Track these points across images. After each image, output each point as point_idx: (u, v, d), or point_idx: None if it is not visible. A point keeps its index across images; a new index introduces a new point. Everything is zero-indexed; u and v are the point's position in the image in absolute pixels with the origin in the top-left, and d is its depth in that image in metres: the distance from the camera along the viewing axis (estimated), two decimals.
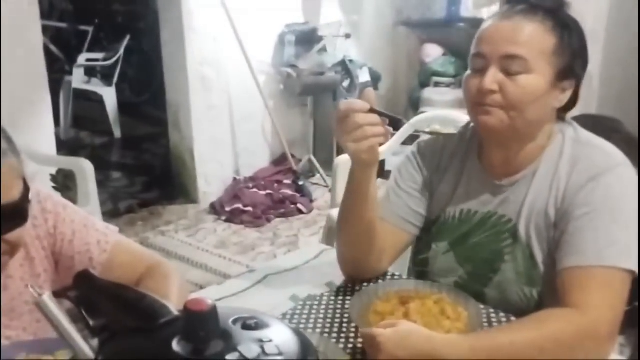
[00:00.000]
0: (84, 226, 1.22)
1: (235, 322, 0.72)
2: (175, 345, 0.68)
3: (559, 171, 1.17)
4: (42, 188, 1.22)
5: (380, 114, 1.12)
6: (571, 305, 1.05)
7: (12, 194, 1.00)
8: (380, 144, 1.16)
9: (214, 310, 0.68)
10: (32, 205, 1.11)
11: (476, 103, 1.16)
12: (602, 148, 1.18)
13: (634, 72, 3.20)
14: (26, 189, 1.03)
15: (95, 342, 0.75)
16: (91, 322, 0.77)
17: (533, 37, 1.13)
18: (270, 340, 0.69)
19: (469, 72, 1.20)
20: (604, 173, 1.13)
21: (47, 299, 0.74)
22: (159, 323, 0.74)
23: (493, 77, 1.13)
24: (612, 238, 1.09)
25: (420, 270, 1.34)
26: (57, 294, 0.80)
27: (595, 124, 1.36)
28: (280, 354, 0.67)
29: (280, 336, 0.71)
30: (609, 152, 1.17)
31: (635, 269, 1.08)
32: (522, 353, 1.00)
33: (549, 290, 1.16)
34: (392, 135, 1.26)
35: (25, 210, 1.04)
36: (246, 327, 0.72)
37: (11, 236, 1.02)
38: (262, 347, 0.67)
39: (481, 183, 1.26)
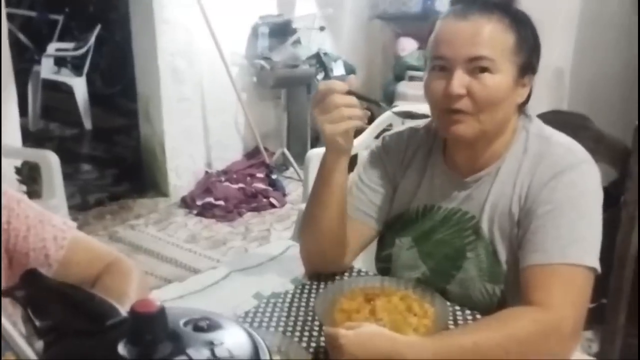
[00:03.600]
0: (39, 221, 1.17)
1: (186, 323, 0.69)
2: (121, 349, 0.65)
3: (522, 168, 1.16)
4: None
5: (359, 97, 1.11)
6: (534, 303, 1.04)
7: None
8: (358, 130, 1.16)
9: (161, 312, 0.65)
10: None
11: (444, 110, 1.14)
12: (565, 145, 1.17)
13: (605, 69, 3.22)
14: None
15: (40, 344, 0.72)
16: (37, 323, 0.74)
17: (494, 36, 1.11)
18: (222, 343, 0.66)
19: (428, 74, 1.16)
20: (566, 170, 1.12)
21: None
22: (106, 325, 0.70)
23: (460, 81, 1.10)
24: (575, 235, 1.08)
25: (384, 266, 1.32)
26: (4, 293, 0.76)
27: (564, 120, 1.36)
28: (231, 357, 0.65)
29: (233, 338, 0.68)
30: (572, 149, 1.16)
31: (598, 266, 1.08)
32: (486, 354, 0.99)
33: (512, 287, 1.15)
34: (370, 119, 1.25)
35: None
36: (197, 328, 0.69)
37: None
38: (212, 350, 0.64)
39: (445, 179, 1.25)
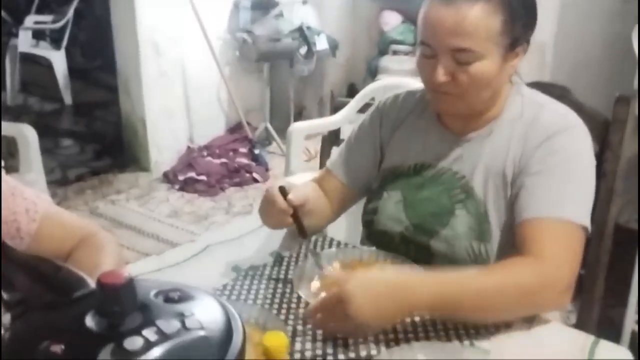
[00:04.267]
0: (11, 194, 1.15)
1: (156, 295, 0.68)
2: (89, 320, 0.63)
3: (516, 132, 1.19)
4: None
5: (296, 220, 1.16)
6: (531, 255, 1.06)
7: None
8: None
9: (129, 283, 0.63)
10: None
11: (431, 89, 1.18)
12: (558, 111, 1.20)
13: (587, 42, 3.22)
14: None
15: (7, 317, 0.70)
16: (5, 296, 0.72)
17: (479, 24, 1.09)
18: (193, 314, 0.65)
19: (418, 54, 1.19)
20: (559, 133, 1.14)
21: None
22: (74, 297, 0.69)
23: (444, 70, 1.12)
24: (567, 194, 1.11)
25: (369, 219, 1.33)
26: None
27: (545, 91, 1.35)
28: (201, 328, 0.63)
29: (205, 309, 0.67)
30: (565, 114, 1.19)
31: (589, 226, 1.10)
32: (486, 299, 1.01)
33: (499, 248, 1.18)
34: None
35: None
36: (168, 300, 0.67)
37: None
38: (182, 322, 0.63)
39: (438, 138, 1.27)
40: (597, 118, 1.39)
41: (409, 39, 4.71)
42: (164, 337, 0.61)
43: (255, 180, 3.81)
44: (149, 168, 3.86)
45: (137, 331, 0.61)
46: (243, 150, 4.02)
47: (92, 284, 0.72)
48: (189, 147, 3.99)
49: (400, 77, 3.84)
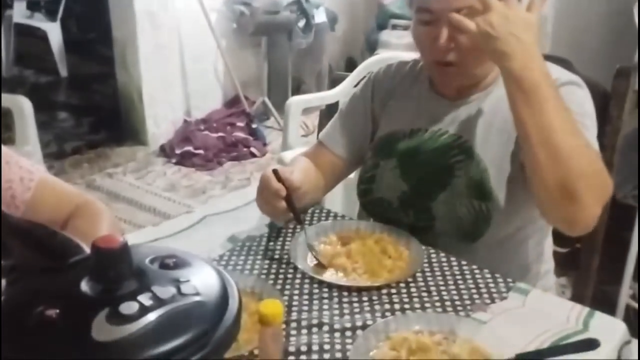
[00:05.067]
0: (5, 163, 1.14)
1: (152, 261, 0.68)
2: (84, 285, 0.63)
3: None
4: None
5: (290, 205, 1.14)
6: None
7: None
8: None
9: (124, 248, 0.63)
10: None
11: (434, 61, 1.18)
12: (560, 69, 1.21)
13: (588, 14, 3.19)
14: None
15: (3, 283, 0.70)
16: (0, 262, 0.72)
17: None
18: (188, 280, 0.65)
19: (415, 26, 1.19)
20: (567, 84, 1.15)
21: None
22: (69, 262, 0.69)
23: (447, 34, 1.12)
24: (587, 128, 1.11)
25: (366, 187, 1.33)
26: None
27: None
28: (197, 294, 0.63)
29: (200, 276, 0.67)
30: (565, 71, 1.21)
31: None
32: (562, 126, 1.00)
33: (501, 204, 1.17)
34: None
35: None
36: (164, 266, 0.67)
37: None
38: (178, 287, 0.63)
39: (432, 103, 1.28)
40: (597, 90, 1.38)
41: (407, 13, 4.65)
42: (159, 302, 0.61)
43: (253, 155, 3.80)
44: (146, 141, 3.84)
45: (132, 296, 0.61)
46: (240, 124, 4.00)
47: (87, 250, 0.72)
48: (185, 121, 3.96)
49: (399, 52, 3.82)
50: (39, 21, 5.06)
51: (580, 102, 1.15)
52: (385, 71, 1.38)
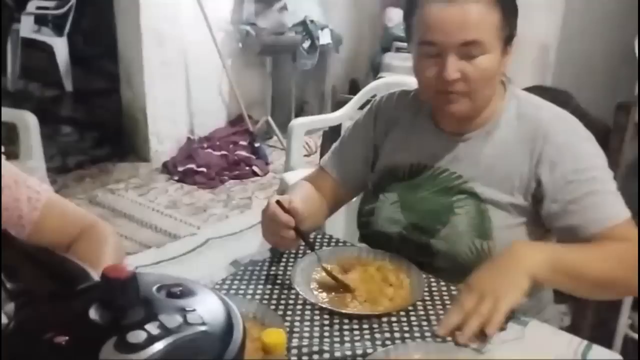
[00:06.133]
0: (14, 182, 1.15)
1: (159, 289, 0.69)
2: (93, 313, 0.64)
3: (519, 134, 1.21)
4: None
5: (300, 235, 1.15)
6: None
7: None
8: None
9: (133, 278, 0.64)
10: None
11: (438, 91, 1.18)
12: (555, 111, 1.23)
13: (591, 47, 3.22)
14: None
15: (11, 306, 0.71)
16: (8, 286, 0.73)
17: (483, 17, 1.13)
18: (194, 310, 0.66)
19: (418, 58, 1.19)
20: (579, 141, 1.18)
21: None
22: (78, 289, 0.70)
23: (454, 66, 1.13)
24: (615, 194, 1.16)
25: (366, 220, 1.34)
26: None
27: (547, 95, 1.36)
28: (203, 323, 0.64)
29: (206, 305, 0.68)
30: (561, 112, 1.23)
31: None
32: (593, 268, 1.07)
33: (502, 244, 1.18)
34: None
35: None
36: (170, 295, 0.68)
37: None
38: (184, 317, 0.64)
39: (433, 138, 1.29)
40: (598, 125, 1.40)
41: None
42: (166, 331, 0.62)
43: (255, 174, 3.82)
44: (148, 158, 3.87)
45: (140, 325, 0.62)
46: (243, 143, 4.03)
47: (94, 276, 0.73)
48: (189, 138, 3.99)
49: (402, 75, 3.85)
50: (46, 36, 5.11)
51: (595, 151, 1.19)
52: (387, 100, 1.39)
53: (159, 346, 0.60)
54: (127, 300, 0.64)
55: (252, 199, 3.54)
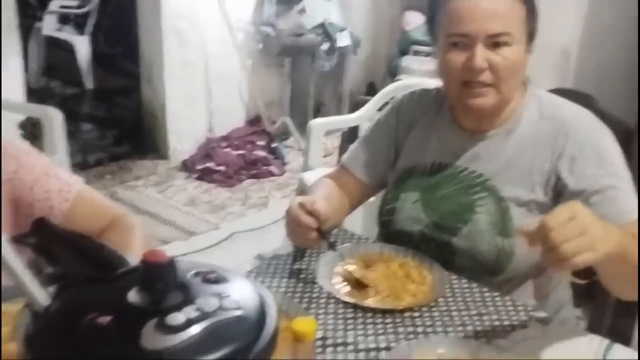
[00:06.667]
0: (44, 174, 1.19)
1: (195, 275, 0.71)
2: (132, 296, 0.67)
3: (541, 133, 1.22)
4: (5, 134, 1.19)
5: (322, 235, 1.17)
6: None
7: None
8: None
9: (172, 263, 0.67)
10: None
11: (465, 83, 1.19)
12: (576, 110, 1.24)
13: (612, 51, 3.21)
14: None
15: (50, 289, 0.73)
16: (48, 270, 0.76)
17: (511, 10, 1.16)
18: (229, 295, 0.68)
19: (445, 50, 1.20)
20: (601, 137, 1.19)
21: (2, 242, 0.71)
22: (116, 274, 0.72)
23: (482, 56, 1.15)
24: (633, 191, 1.16)
25: (387, 219, 1.35)
26: (14, 240, 0.78)
27: (568, 98, 1.36)
28: (238, 308, 0.67)
29: (240, 291, 0.70)
30: (581, 111, 1.24)
31: None
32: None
33: (523, 241, 1.16)
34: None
35: None
36: (206, 280, 0.71)
37: None
38: (220, 301, 0.67)
39: (453, 137, 1.30)
40: (621, 127, 1.40)
41: (430, 40, 4.72)
42: (203, 314, 0.64)
43: (272, 174, 3.84)
44: (167, 156, 3.91)
45: (178, 308, 0.64)
46: (261, 143, 4.06)
47: (131, 262, 0.75)
48: (208, 137, 4.03)
49: (421, 78, 3.87)
50: (68, 34, 5.17)
51: (616, 150, 1.19)
52: (408, 99, 1.40)
53: (197, 329, 0.63)
54: (166, 284, 0.67)
55: (269, 198, 3.57)
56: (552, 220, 0.88)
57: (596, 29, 3.15)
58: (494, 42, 1.15)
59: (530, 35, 1.21)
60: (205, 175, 3.72)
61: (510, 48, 1.16)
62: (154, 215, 3.26)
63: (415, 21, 4.81)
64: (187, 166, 3.84)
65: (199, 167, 3.77)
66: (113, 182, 3.65)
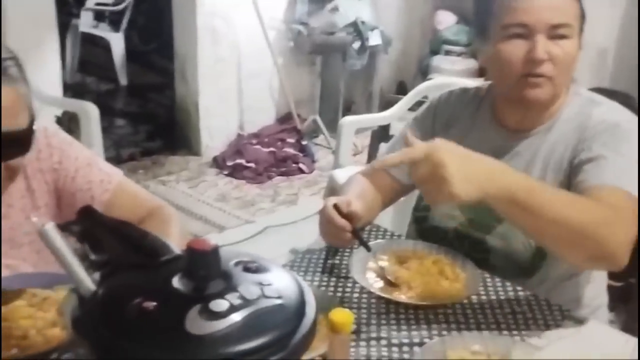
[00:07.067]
0: (87, 164, 1.22)
1: (236, 264, 0.73)
2: (176, 282, 0.68)
3: (578, 129, 1.21)
4: (50, 124, 1.23)
5: (357, 236, 1.17)
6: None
7: (19, 122, 1.01)
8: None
9: (216, 251, 0.68)
10: (39, 139, 1.12)
11: (524, 74, 1.17)
12: (618, 109, 1.23)
13: None
14: (32, 119, 1.04)
15: (96, 275, 0.76)
16: (93, 257, 0.78)
17: (570, 3, 1.17)
18: (270, 284, 0.69)
19: (502, 42, 1.18)
20: (619, 123, 1.17)
21: (50, 229, 0.73)
22: (161, 260, 0.74)
23: (544, 47, 1.15)
24: (629, 169, 1.11)
25: (422, 215, 1.36)
26: (60, 228, 0.80)
27: (608, 98, 1.35)
28: (279, 297, 0.68)
29: (280, 281, 0.72)
30: (620, 108, 1.23)
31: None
32: (563, 204, 1.01)
33: None
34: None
35: (29, 139, 1.05)
36: (247, 269, 0.72)
37: (12, 162, 1.03)
38: (262, 290, 0.68)
39: (492, 135, 1.29)
40: None
41: (462, 39, 4.69)
42: (246, 302, 0.66)
43: (302, 171, 3.86)
44: (199, 152, 3.96)
45: (221, 295, 0.66)
46: (291, 140, 4.08)
47: (175, 250, 0.77)
48: (238, 134, 4.07)
49: (452, 77, 3.85)
50: (104, 31, 5.26)
51: (631, 138, 1.16)
52: (446, 98, 1.40)
53: (239, 315, 0.64)
54: (209, 272, 0.68)
55: (298, 195, 3.58)
56: (410, 154, 0.96)
57: (633, 29, 3.10)
58: (554, 34, 1.15)
59: (582, 32, 1.20)
60: (235, 172, 3.76)
61: (569, 41, 1.16)
62: (185, 210, 3.30)
63: (447, 21, 4.79)
64: (218, 162, 3.88)
65: (230, 163, 3.81)
66: (146, 176, 3.71)
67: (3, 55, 1.02)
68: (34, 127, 1.06)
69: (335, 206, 1.17)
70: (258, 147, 3.95)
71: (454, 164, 0.93)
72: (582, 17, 1.20)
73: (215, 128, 3.97)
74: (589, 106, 1.23)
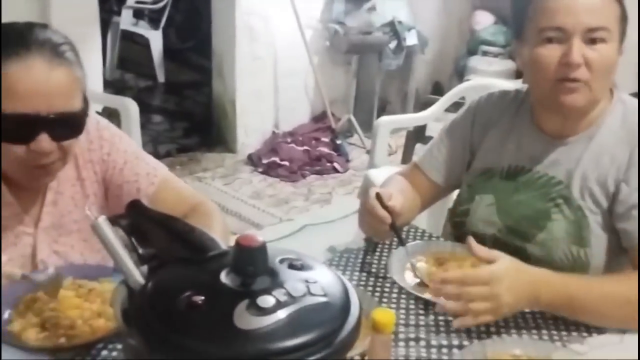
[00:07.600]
0: (135, 157, 1.25)
1: (282, 261, 0.74)
2: (224, 277, 0.70)
3: (621, 140, 1.18)
4: (102, 118, 1.27)
5: (395, 230, 1.17)
6: None
7: (73, 104, 1.04)
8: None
9: (263, 247, 0.70)
10: (91, 131, 1.15)
11: (560, 79, 1.15)
12: None
13: None
14: (85, 103, 1.07)
15: (144, 269, 0.77)
16: (140, 250, 0.79)
17: (609, 5, 1.13)
18: (316, 282, 0.70)
19: (539, 45, 1.15)
20: None
21: (103, 222, 0.75)
22: (208, 255, 0.76)
23: (579, 50, 1.12)
24: None
25: (460, 220, 1.35)
26: (109, 221, 0.82)
27: None
28: (324, 295, 0.69)
29: (325, 279, 0.72)
30: None
31: None
32: (608, 302, 1.06)
33: (599, 251, 1.18)
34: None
35: (82, 122, 1.08)
36: (292, 267, 0.73)
37: (65, 144, 1.05)
38: (307, 287, 0.69)
39: (532, 140, 1.27)
40: None
41: (500, 40, 4.64)
42: (292, 299, 0.67)
43: (336, 170, 3.87)
44: (235, 149, 4.00)
45: (268, 291, 0.67)
46: (325, 139, 4.09)
47: (222, 245, 0.79)
48: (273, 132, 4.10)
49: (490, 78, 3.81)
50: (143, 29, 5.36)
51: None
52: (485, 100, 1.38)
53: (285, 312, 0.65)
54: (256, 268, 0.69)
55: (332, 194, 3.59)
56: (472, 278, 1.01)
57: None
58: (591, 38, 1.12)
59: (622, 37, 1.17)
60: (270, 170, 3.79)
61: (607, 45, 1.13)
62: (220, 207, 3.30)
63: (485, 21, 4.74)
64: (252, 160, 3.92)
65: (265, 161, 3.84)
66: (182, 172, 3.76)
67: (59, 40, 1.05)
68: (88, 113, 1.09)
69: (378, 196, 1.17)
70: (292, 145, 3.98)
71: (508, 281, 1.02)
72: (624, 19, 1.16)
73: (251, 126, 4.01)
74: (632, 117, 1.19)
